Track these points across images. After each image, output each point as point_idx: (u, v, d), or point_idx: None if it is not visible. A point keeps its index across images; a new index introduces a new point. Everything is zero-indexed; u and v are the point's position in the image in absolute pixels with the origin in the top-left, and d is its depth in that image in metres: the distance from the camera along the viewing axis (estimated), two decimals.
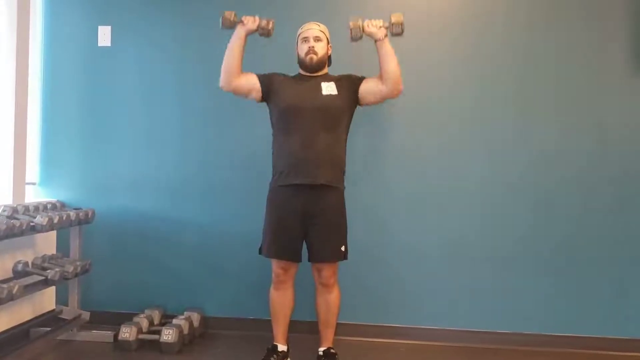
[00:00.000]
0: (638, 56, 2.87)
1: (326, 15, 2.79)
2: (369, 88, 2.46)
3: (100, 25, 3.12)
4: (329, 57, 2.57)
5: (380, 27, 2.41)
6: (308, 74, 2.50)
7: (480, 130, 2.96)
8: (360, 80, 2.49)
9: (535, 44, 2.94)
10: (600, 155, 2.90)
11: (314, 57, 2.46)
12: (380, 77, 2.43)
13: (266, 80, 2.49)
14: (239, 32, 2.46)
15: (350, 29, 2.44)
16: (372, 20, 2.43)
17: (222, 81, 2.48)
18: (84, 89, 3.15)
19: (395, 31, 2.42)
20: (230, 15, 2.45)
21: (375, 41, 2.42)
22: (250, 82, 2.48)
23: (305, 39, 2.47)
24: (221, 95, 2.98)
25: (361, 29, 2.43)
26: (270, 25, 2.48)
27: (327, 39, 2.52)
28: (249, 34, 2.47)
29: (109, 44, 3.11)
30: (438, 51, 2.98)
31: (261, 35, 2.50)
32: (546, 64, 2.93)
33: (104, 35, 3.11)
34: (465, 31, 2.97)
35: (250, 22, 2.45)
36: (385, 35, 2.42)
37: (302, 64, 2.50)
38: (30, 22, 2.95)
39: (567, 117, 2.92)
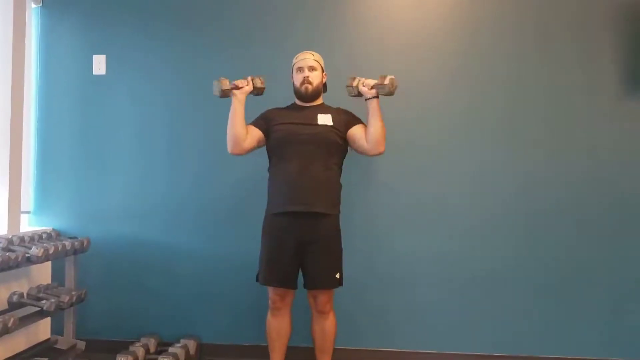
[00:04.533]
0: (628, 79, 2.93)
1: (322, 43, 2.85)
2: (354, 136, 2.49)
3: (95, 54, 3.14)
4: (324, 85, 2.61)
5: (372, 87, 2.44)
6: (304, 104, 2.54)
7: (472, 152, 2.99)
8: (355, 122, 2.53)
9: (525, 66, 2.99)
10: (592, 177, 2.94)
11: (309, 86, 2.50)
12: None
13: (263, 124, 2.53)
14: (239, 97, 2.48)
15: (347, 86, 2.51)
16: (366, 80, 2.47)
17: (233, 149, 2.49)
18: (79, 117, 3.16)
19: (388, 91, 2.41)
20: (225, 84, 2.47)
21: (366, 99, 2.47)
22: (255, 137, 2.51)
23: (300, 69, 2.51)
24: (212, 124, 3.04)
25: (356, 88, 2.49)
26: (264, 84, 2.52)
27: (322, 67, 2.56)
28: (246, 95, 2.51)
29: (104, 73, 3.14)
30: (429, 71, 3.02)
31: (256, 95, 2.54)
32: (537, 87, 2.98)
33: (99, 64, 3.14)
34: (454, 53, 3.02)
35: (245, 84, 2.49)
36: (375, 96, 2.44)
37: (297, 93, 2.54)
38: (26, 50, 2.96)
39: (558, 140, 2.96)
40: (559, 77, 2.98)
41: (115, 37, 3.15)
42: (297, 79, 2.52)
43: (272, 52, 3.00)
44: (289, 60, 2.61)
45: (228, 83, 2.48)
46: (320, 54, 2.60)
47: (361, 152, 2.52)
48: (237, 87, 2.48)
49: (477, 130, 3.00)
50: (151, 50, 3.14)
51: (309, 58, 2.52)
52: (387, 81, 2.38)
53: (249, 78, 2.51)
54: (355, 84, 2.49)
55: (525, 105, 2.99)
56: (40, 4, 3.16)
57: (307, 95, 2.50)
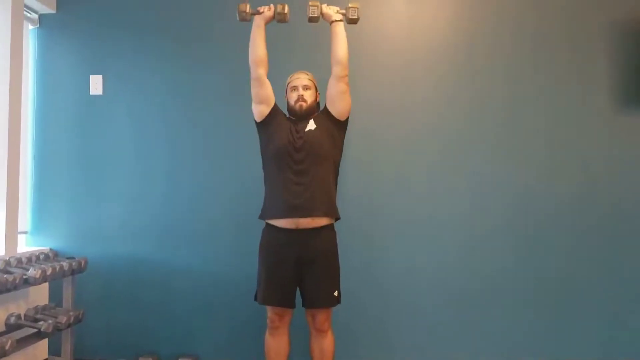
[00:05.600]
0: (620, 97, 2.98)
1: (316, 60, 2.88)
2: (328, 94, 2.52)
3: (92, 74, 3.17)
4: (317, 104, 2.63)
5: (337, 11, 2.53)
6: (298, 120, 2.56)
7: (468, 166, 3.02)
8: (325, 105, 2.57)
9: (519, 84, 3.03)
10: (586, 192, 2.97)
11: (304, 104, 2.52)
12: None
13: (276, 110, 2.55)
14: (258, 22, 2.53)
15: (309, 6, 2.53)
16: (330, 6, 2.55)
17: (251, 69, 2.53)
18: (76, 137, 3.18)
19: (351, 15, 2.51)
20: (245, 7, 2.51)
21: (330, 23, 2.52)
22: (270, 95, 2.54)
23: (295, 88, 2.54)
24: (210, 142, 3.06)
25: (319, 8, 2.53)
26: (286, 10, 2.54)
27: (315, 87, 2.59)
28: (268, 22, 2.54)
29: (101, 93, 3.16)
30: (424, 89, 3.06)
31: (278, 21, 2.56)
32: (532, 103, 3.01)
33: (96, 84, 3.16)
34: (450, 71, 3.06)
35: (267, 10, 2.53)
36: (341, 20, 2.52)
37: (291, 111, 2.56)
38: (23, 71, 2.98)
39: (554, 154, 3.00)
40: (554, 92, 3.02)
41: (112, 57, 3.18)
42: (292, 97, 2.55)
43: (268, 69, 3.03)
44: (283, 76, 2.63)
45: (249, 7, 2.52)
46: (314, 71, 2.63)
47: (339, 92, 2.50)
48: (258, 13, 2.52)
49: (473, 144, 3.03)
50: (148, 69, 3.16)
51: (303, 77, 2.55)
52: (352, 5, 2.50)
53: (271, 5, 2.55)
54: (319, 4, 2.53)
55: (521, 121, 3.03)
56: (38, 25, 3.19)
57: (302, 113, 2.52)
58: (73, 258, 2.92)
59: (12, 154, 2.85)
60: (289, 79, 2.59)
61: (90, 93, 3.17)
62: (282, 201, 2.42)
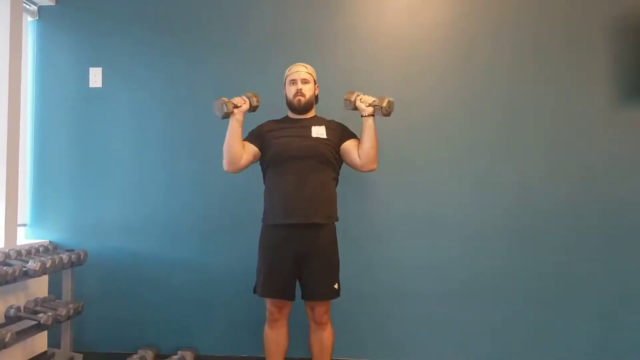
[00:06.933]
0: (619, 96, 2.96)
1: (316, 58, 2.87)
2: (347, 150, 2.50)
3: (92, 66, 3.16)
4: (316, 97, 2.63)
5: (369, 105, 2.45)
6: (297, 116, 2.56)
7: (467, 164, 3.00)
8: (348, 136, 2.54)
9: (519, 83, 3.01)
10: (585, 191, 2.95)
11: (302, 99, 2.51)
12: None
13: (258, 139, 2.53)
14: (237, 118, 2.47)
15: (344, 100, 2.51)
16: (365, 96, 2.47)
17: (229, 167, 2.50)
18: (75, 129, 3.17)
19: (385, 112, 2.43)
20: (229, 106, 2.43)
21: (362, 115, 2.47)
22: (251, 153, 2.51)
23: (293, 82, 2.53)
24: (210, 137, 3.05)
25: (352, 103, 2.49)
26: (259, 102, 2.55)
27: (314, 80, 2.58)
28: (244, 114, 2.51)
29: (100, 85, 3.15)
30: (424, 87, 3.04)
31: (249, 112, 2.55)
32: (532, 100, 2.99)
33: (95, 77, 3.15)
34: (450, 69, 3.04)
35: (242, 102, 2.49)
36: (371, 114, 2.45)
37: (290, 105, 2.56)
38: (22, 63, 2.97)
39: (553, 153, 2.98)
40: (554, 91, 2.99)
41: (112, 49, 3.17)
42: (290, 91, 2.53)
43: (266, 64, 3.02)
44: (282, 71, 2.62)
45: (231, 105, 2.45)
46: (314, 68, 2.62)
47: (353, 167, 2.54)
48: (236, 106, 2.47)
49: (473, 142, 3.02)
50: (147, 62, 3.15)
51: (302, 70, 2.53)
52: (384, 103, 2.40)
53: (245, 97, 2.52)
54: (353, 98, 2.49)
55: (521, 119, 3.00)
56: (37, 17, 3.18)
57: (300, 108, 2.52)
58: (72, 250, 2.93)
59: (11, 147, 2.84)
60: (287, 72, 2.57)
61: (90, 86, 3.15)
62: (281, 204, 2.43)
